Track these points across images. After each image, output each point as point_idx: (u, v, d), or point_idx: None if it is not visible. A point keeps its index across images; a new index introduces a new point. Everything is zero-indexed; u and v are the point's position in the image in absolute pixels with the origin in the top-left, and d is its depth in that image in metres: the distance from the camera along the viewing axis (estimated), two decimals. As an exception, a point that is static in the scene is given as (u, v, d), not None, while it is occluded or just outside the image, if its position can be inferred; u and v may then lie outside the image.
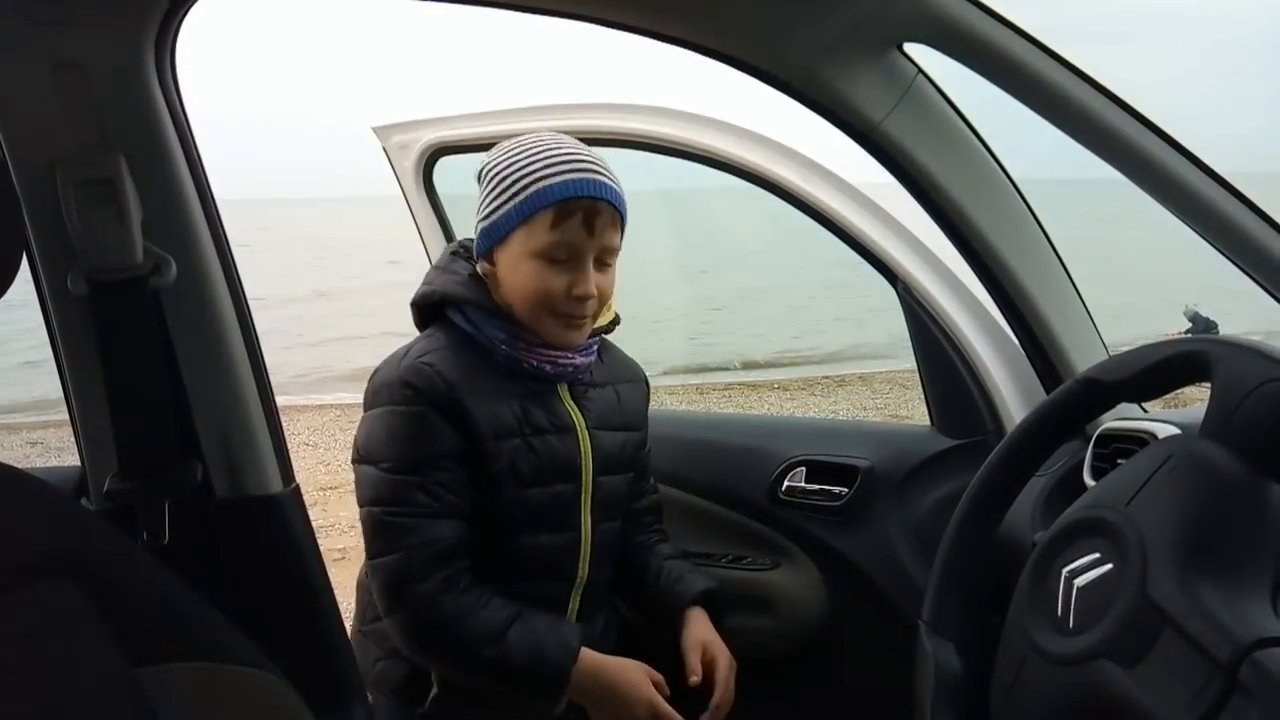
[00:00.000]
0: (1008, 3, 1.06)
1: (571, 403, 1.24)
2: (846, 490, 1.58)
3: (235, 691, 0.83)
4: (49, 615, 0.71)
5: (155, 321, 1.00)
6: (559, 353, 1.20)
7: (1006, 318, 1.43)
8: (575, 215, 1.12)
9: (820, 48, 1.10)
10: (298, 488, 1.09)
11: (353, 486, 1.22)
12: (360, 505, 1.14)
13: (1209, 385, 0.79)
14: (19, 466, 0.78)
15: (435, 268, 1.25)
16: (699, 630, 1.31)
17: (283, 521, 1.07)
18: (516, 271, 1.16)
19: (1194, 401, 1.17)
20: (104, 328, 0.98)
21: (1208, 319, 10.58)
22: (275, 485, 1.07)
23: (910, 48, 1.18)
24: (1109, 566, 0.75)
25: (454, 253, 1.25)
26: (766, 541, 1.64)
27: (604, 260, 1.18)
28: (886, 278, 1.57)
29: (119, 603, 0.76)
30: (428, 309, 1.23)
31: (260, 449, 1.06)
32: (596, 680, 1.16)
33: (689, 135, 1.60)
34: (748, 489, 1.65)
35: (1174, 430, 1.11)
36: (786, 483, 1.62)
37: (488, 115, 1.80)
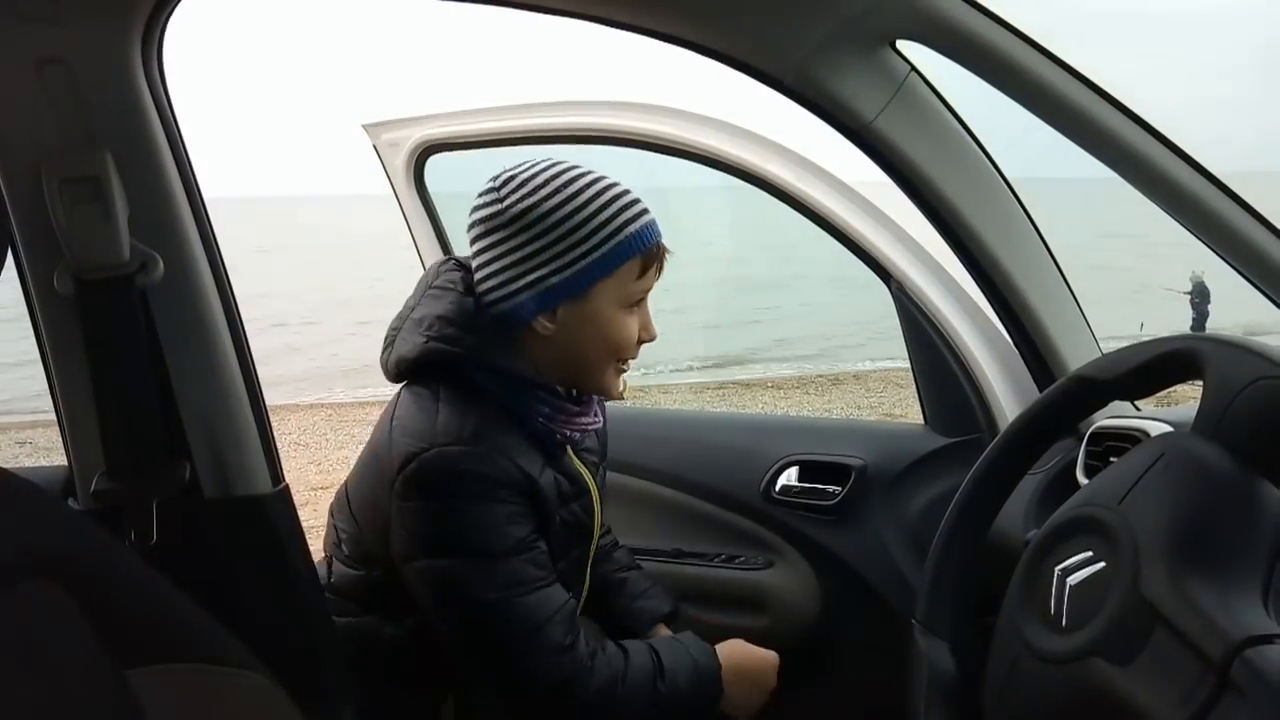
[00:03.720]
0: (1007, 2, 1.05)
1: (579, 462, 1.19)
2: (839, 489, 1.58)
3: (223, 692, 0.82)
4: (35, 616, 0.70)
5: (142, 320, 0.99)
6: (591, 419, 1.15)
7: (1000, 316, 1.43)
8: (656, 260, 1.08)
9: (812, 45, 1.10)
10: (287, 488, 1.08)
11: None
12: (469, 601, 1.04)
13: (1201, 383, 0.79)
14: (6, 466, 0.77)
15: (446, 322, 1.08)
16: None
17: (271, 522, 1.06)
18: (597, 324, 1.07)
19: (1187, 399, 1.17)
20: (90, 326, 0.97)
21: (1207, 290, 10.89)
22: (264, 485, 1.06)
23: (904, 45, 1.17)
24: (1101, 565, 0.75)
25: (471, 308, 1.08)
26: (759, 541, 1.64)
27: None
28: (880, 276, 1.57)
29: (106, 603, 0.75)
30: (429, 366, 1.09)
31: (249, 448, 1.05)
32: (736, 670, 1.20)
33: (682, 133, 1.60)
34: (740, 488, 1.65)
35: (1166, 428, 1.11)
36: (780, 482, 1.62)
37: (480, 112, 1.79)
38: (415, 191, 1.88)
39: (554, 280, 1.04)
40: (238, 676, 0.83)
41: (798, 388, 9.62)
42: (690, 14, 1.08)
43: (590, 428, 1.16)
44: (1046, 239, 1.36)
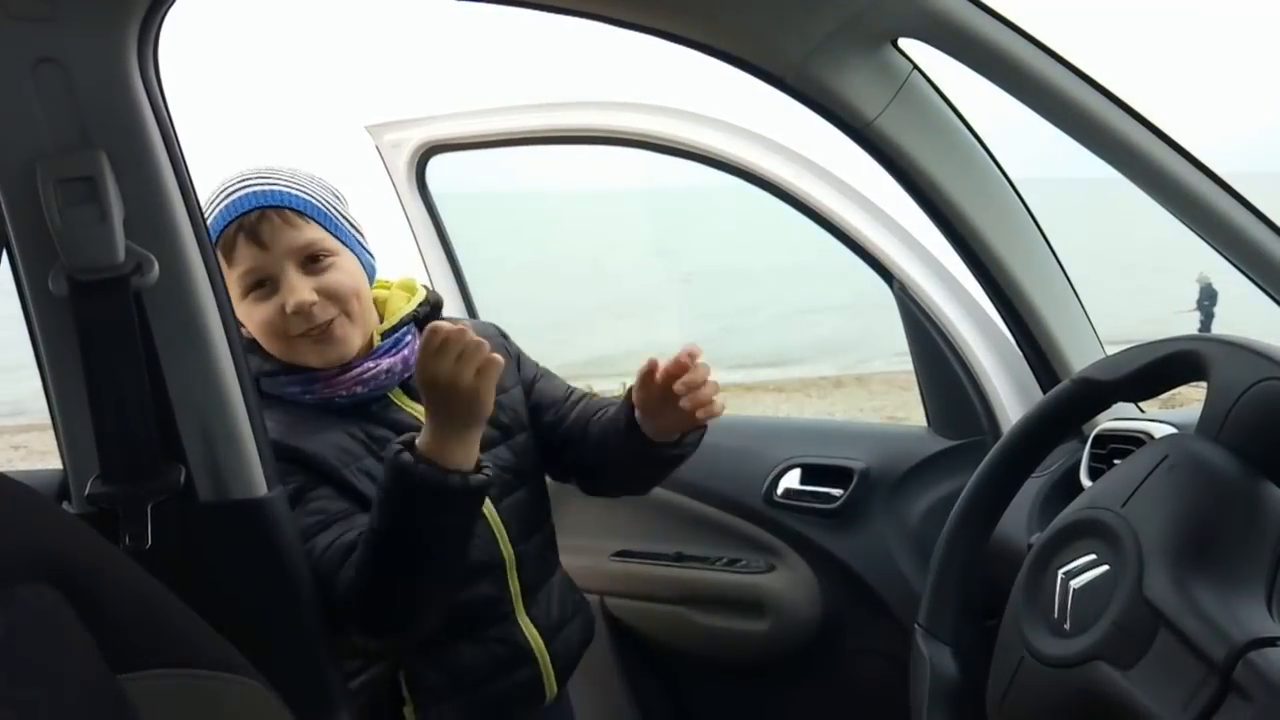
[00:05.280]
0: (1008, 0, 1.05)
1: (412, 403, 1.19)
2: (842, 492, 1.57)
3: (219, 699, 0.82)
4: (29, 620, 0.69)
5: (137, 322, 0.98)
6: (361, 369, 1.16)
7: (1003, 317, 1.42)
8: (236, 242, 1.12)
9: (814, 43, 1.09)
10: (283, 491, 1.07)
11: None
12: None
13: (1205, 385, 0.78)
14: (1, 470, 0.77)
15: None
16: None
17: (268, 526, 1.04)
18: (245, 321, 1.14)
19: (1191, 401, 1.16)
20: (85, 328, 0.97)
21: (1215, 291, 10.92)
22: (260, 489, 1.05)
23: (905, 43, 1.17)
24: (1105, 568, 0.74)
25: None
26: (761, 544, 1.63)
27: (311, 260, 1.13)
28: (883, 277, 1.56)
29: (101, 608, 0.74)
30: None
31: (244, 451, 1.04)
32: (440, 433, 1.02)
33: (684, 133, 1.60)
34: (742, 491, 1.64)
35: (1170, 430, 1.10)
36: (781, 485, 1.62)
37: (482, 113, 1.79)
38: (417, 192, 1.88)
39: None
40: (233, 683, 0.83)
41: (799, 390, 9.61)
42: (691, 12, 1.07)
43: (368, 377, 1.16)
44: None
